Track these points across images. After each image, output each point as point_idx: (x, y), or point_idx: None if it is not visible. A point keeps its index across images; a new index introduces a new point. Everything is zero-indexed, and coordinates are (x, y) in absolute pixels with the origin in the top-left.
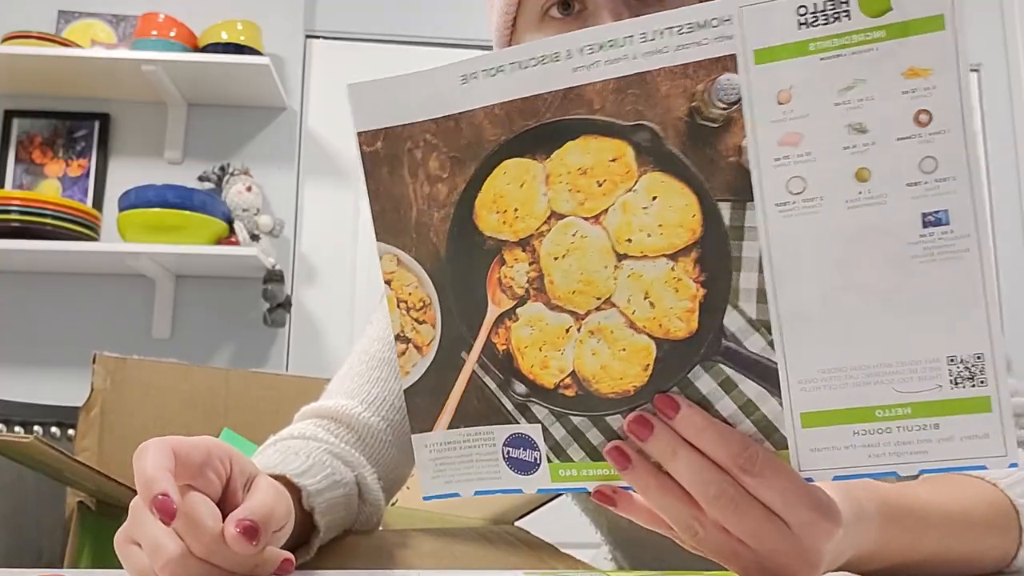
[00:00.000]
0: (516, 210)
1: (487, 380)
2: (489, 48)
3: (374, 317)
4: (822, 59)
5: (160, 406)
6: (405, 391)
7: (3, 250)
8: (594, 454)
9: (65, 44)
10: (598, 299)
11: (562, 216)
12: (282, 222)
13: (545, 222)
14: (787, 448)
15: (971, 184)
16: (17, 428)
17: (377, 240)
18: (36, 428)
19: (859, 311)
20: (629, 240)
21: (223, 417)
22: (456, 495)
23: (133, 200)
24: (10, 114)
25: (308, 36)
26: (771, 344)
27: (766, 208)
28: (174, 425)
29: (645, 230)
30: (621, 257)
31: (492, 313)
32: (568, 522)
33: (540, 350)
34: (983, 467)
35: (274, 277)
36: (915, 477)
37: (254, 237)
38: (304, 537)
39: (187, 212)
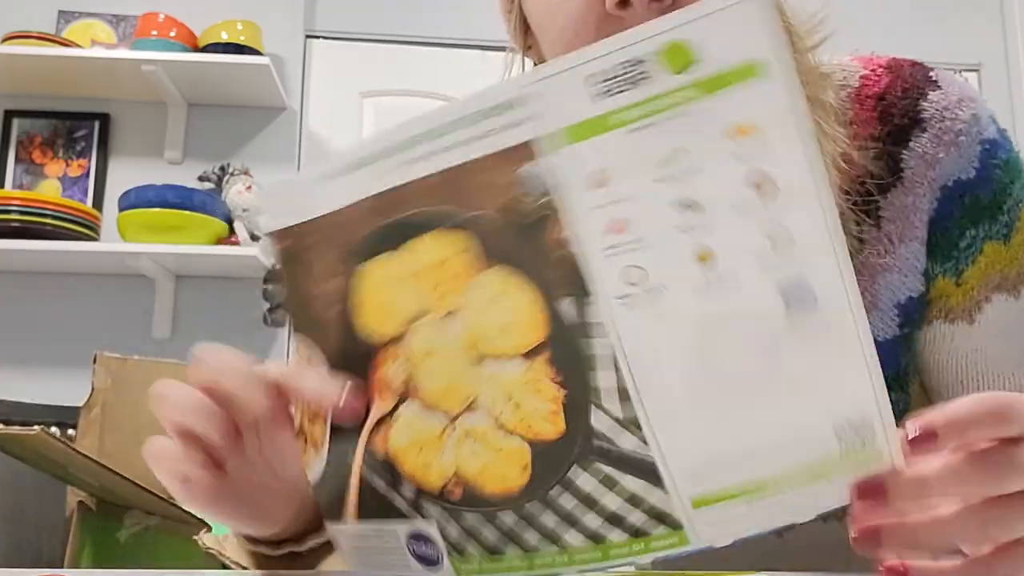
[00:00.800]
0: (385, 307)
1: (376, 481)
2: (488, 49)
3: None
4: (630, 131)
5: None
6: (312, 487)
7: (3, 250)
8: (494, 550)
9: (65, 44)
10: (466, 399)
11: (426, 312)
12: None
13: (414, 319)
14: (682, 527)
15: (834, 251)
16: (16, 428)
17: (295, 331)
18: (35, 428)
19: (730, 401)
20: (484, 339)
21: None
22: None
23: (133, 200)
24: (10, 114)
25: (308, 36)
26: (644, 440)
27: (607, 302)
28: None
29: (496, 328)
30: (480, 357)
31: (373, 416)
32: None
33: (420, 452)
34: None
35: (274, 277)
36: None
37: (254, 237)
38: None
39: (187, 212)
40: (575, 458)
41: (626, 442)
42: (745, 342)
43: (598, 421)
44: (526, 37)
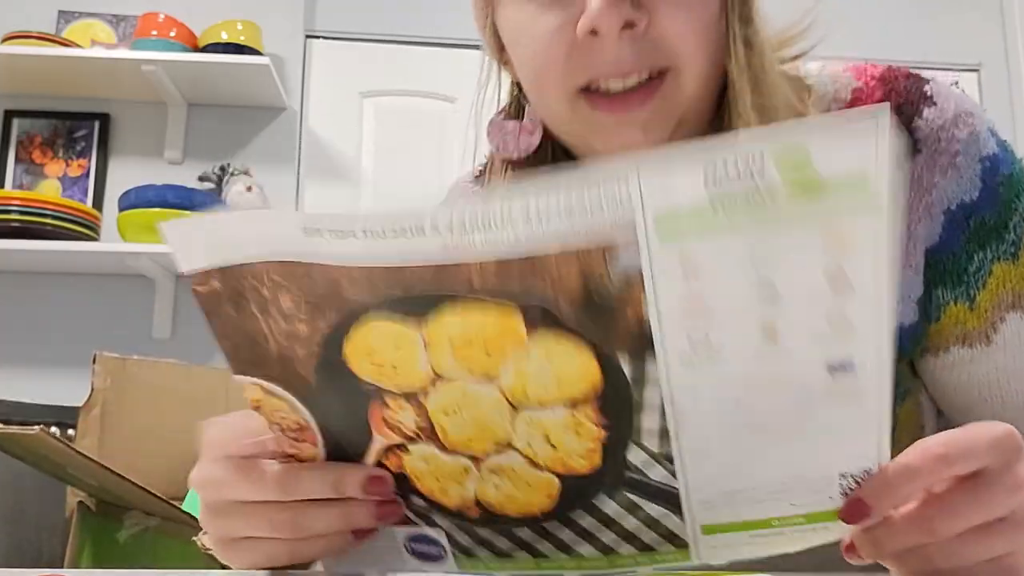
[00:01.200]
0: (395, 367)
1: None
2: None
3: None
4: (730, 221)
5: (160, 406)
6: None
7: (3, 250)
8: (502, 554)
9: (65, 44)
10: (496, 443)
11: (448, 380)
12: None
13: (430, 383)
14: (687, 547)
15: (884, 339)
16: (16, 428)
17: (234, 374)
18: (35, 428)
19: (758, 446)
20: (525, 395)
21: None
22: None
23: (133, 200)
24: (10, 114)
25: (308, 36)
26: (672, 473)
27: (668, 362)
28: (174, 425)
29: (542, 386)
30: (517, 407)
31: (379, 442)
32: None
33: (438, 480)
34: None
35: None
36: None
37: None
38: None
39: (187, 212)
40: (604, 487)
41: (656, 474)
42: (785, 401)
43: (634, 456)
44: (502, 53)
